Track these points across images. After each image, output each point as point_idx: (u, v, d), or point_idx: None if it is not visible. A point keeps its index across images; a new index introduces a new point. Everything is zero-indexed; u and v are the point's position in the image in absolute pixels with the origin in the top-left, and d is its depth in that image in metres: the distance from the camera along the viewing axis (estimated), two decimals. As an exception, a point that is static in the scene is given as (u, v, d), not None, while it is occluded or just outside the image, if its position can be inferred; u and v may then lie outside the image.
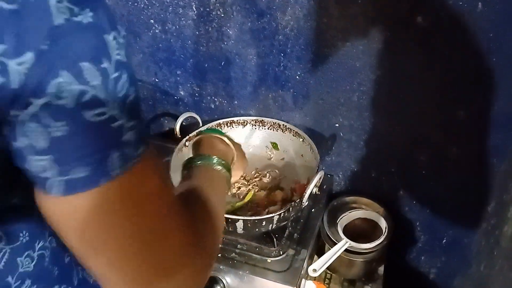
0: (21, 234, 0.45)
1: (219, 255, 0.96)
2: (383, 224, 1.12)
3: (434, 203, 1.16)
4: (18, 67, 0.30)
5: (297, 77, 1.09)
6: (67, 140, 0.33)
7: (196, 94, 1.24)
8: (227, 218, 0.90)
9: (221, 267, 0.96)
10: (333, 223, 1.13)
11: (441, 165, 1.09)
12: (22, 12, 0.29)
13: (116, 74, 0.34)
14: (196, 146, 0.77)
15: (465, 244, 1.17)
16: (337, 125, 1.14)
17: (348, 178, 1.23)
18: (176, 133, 1.10)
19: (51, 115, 0.32)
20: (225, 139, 0.77)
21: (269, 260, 0.97)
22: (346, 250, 1.07)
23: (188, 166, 0.68)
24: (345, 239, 1.07)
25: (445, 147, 1.06)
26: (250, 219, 0.90)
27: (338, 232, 1.10)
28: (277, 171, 1.16)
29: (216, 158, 0.68)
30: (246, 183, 1.12)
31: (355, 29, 0.97)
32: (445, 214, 1.16)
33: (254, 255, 0.98)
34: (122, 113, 0.35)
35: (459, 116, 0.99)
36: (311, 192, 0.94)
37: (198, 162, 0.67)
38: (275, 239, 1.00)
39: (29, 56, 0.30)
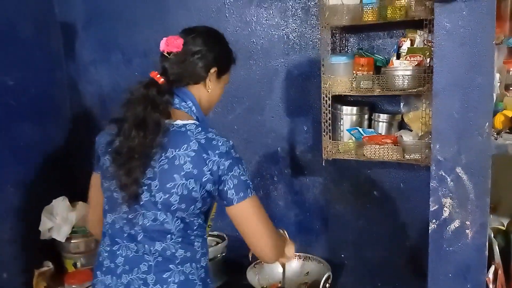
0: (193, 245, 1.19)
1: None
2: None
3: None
4: (221, 166, 1.12)
5: (317, 227, 1.97)
6: (236, 184, 1.12)
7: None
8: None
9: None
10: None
11: (403, 276, 1.82)
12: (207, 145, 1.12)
13: (244, 167, 1.16)
14: None
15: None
16: (342, 255, 1.94)
17: (354, 293, 1.95)
18: (249, 258, 1.93)
19: (232, 177, 1.12)
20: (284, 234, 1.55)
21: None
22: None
23: None
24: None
25: (405, 266, 1.81)
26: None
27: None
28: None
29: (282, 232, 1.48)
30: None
31: (343, 201, 1.89)
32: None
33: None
34: (246, 175, 1.15)
35: (406, 249, 1.79)
36: (324, 285, 1.70)
37: None
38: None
39: (226, 162, 1.12)
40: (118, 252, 1.18)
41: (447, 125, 1.19)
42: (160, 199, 1.13)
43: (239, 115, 2.04)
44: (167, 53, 1.21)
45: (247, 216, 1.15)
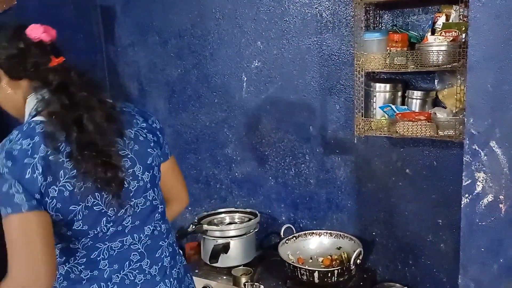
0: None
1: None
2: (405, 294, 1.82)
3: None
4: (158, 126, 1.21)
5: (348, 204, 1.99)
6: (167, 141, 1.23)
7: (292, 218, 2.15)
8: (305, 269, 1.71)
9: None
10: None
11: (435, 253, 1.82)
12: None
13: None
14: None
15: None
16: (374, 233, 1.95)
17: (384, 269, 1.96)
18: (281, 235, 1.98)
19: (164, 136, 1.23)
20: None
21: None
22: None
23: None
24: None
25: (437, 243, 1.81)
26: (323, 270, 1.70)
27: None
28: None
29: None
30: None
31: (375, 179, 1.89)
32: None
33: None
34: (165, 139, 1.23)
35: (438, 227, 1.78)
36: (355, 260, 1.72)
37: None
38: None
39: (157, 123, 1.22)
40: (98, 258, 1.08)
41: (481, 98, 1.18)
42: (147, 178, 1.13)
43: (272, 95, 2.07)
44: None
45: (175, 166, 1.30)
